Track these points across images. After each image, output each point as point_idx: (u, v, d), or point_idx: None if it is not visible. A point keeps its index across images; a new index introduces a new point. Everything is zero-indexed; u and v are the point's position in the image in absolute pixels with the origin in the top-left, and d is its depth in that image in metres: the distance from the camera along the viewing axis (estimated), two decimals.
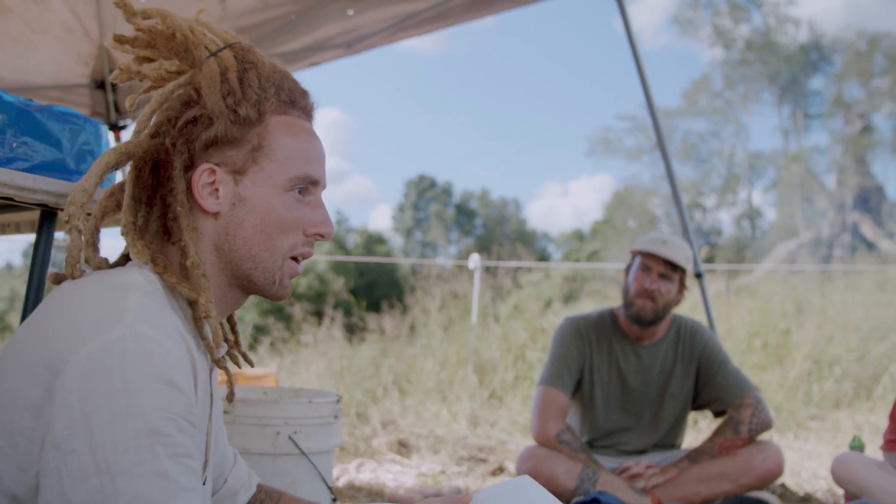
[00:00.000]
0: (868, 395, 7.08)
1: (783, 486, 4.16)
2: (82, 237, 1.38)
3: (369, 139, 78.71)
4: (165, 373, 1.18)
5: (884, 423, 3.37)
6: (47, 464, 1.15)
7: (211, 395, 1.48)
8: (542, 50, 75.11)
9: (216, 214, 1.41)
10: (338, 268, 24.67)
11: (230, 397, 1.57)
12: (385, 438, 5.48)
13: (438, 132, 76.81)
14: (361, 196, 73.57)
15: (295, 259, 1.49)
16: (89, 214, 1.44)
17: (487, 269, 9.76)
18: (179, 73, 1.47)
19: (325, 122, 72.47)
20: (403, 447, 5.37)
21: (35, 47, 4.51)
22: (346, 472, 4.50)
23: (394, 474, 4.54)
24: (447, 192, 46.64)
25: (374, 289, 23.69)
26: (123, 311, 1.22)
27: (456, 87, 78.43)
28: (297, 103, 1.49)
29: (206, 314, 1.35)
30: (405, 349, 8.42)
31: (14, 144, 1.89)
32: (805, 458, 5.24)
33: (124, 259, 1.47)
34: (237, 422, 3.19)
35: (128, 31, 1.51)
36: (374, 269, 27.33)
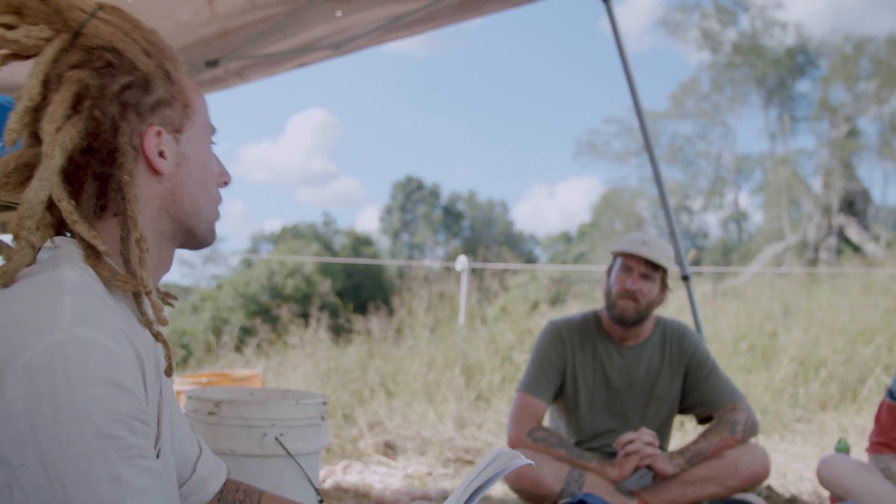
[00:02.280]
0: (854, 398, 7.11)
1: (769, 488, 4.17)
2: (33, 251, 1.30)
3: (356, 140, 78.72)
4: (109, 374, 1.14)
5: (869, 425, 3.38)
6: None
7: (161, 386, 1.44)
8: (530, 52, 75.30)
9: (160, 177, 1.40)
10: (325, 269, 24.66)
11: (168, 372, 1.50)
12: (372, 440, 5.47)
13: (426, 134, 76.94)
14: (348, 197, 73.64)
15: None
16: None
17: (474, 271, 9.76)
18: (51, 38, 1.36)
19: (311, 122, 72.51)
20: (390, 449, 5.36)
21: None
22: (333, 474, 4.50)
23: (380, 476, 4.53)
24: (434, 193, 46.68)
25: (360, 290, 23.69)
26: (59, 314, 1.17)
27: (443, 88, 78.60)
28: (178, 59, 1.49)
29: (147, 289, 1.33)
30: (392, 351, 8.41)
31: (0, 144, 1.88)
32: (791, 460, 5.25)
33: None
34: (224, 423, 3.18)
35: None
36: (361, 270, 27.32)
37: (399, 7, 4.65)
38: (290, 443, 3.19)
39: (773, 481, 4.41)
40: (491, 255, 12.93)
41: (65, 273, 1.26)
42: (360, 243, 34.28)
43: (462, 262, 8.94)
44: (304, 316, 9.93)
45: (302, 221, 35.93)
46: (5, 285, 1.25)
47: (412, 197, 46.21)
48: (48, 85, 1.34)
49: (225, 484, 1.82)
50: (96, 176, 1.34)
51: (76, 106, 1.32)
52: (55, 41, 1.35)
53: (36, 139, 1.34)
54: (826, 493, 3.98)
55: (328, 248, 32.52)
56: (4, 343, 1.14)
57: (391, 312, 9.39)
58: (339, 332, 9.59)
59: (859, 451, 4.45)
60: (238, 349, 9.64)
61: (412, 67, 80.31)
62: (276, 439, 3.16)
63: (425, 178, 50.21)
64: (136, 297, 1.36)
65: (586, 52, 70.36)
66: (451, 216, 46.97)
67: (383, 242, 44.03)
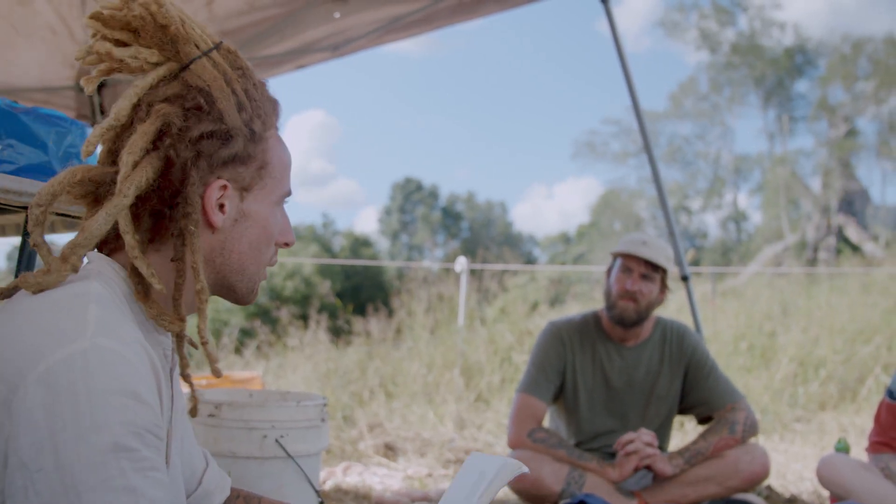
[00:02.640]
0: (853, 397, 7.11)
1: (769, 488, 4.17)
2: (69, 268, 1.30)
3: (355, 141, 78.78)
4: (130, 386, 1.15)
5: (869, 424, 3.39)
6: (14, 483, 1.11)
7: (172, 396, 1.45)
8: (528, 53, 75.36)
9: (214, 229, 1.38)
10: (324, 271, 24.65)
11: (193, 412, 1.55)
12: (372, 441, 5.48)
13: (424, 135, 76.97)
14: (347, 198, 73.65)
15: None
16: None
17: (473, 272, 9.76)
18: (157, 64, 1.38)
19: (310, 124, 72.49)
20: (390, 450, 5.36)
21: (19, 49, 4.50)
22: (333, 476, 4.50)
23: (380, 477, 4.54)
24: (433, 194, 46.68)
25: (360, 292, 23.70)
26: (84, 323, 1.18)
27: (442, 89, 78.61)
28: (279, 115, 1.48)
29: (203, 339, 1.34)
30: (391, 352, 8.40)
31: None
32: (791, 459, 5.26)
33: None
34: (224, 425, 3.18)
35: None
36: (361, 271, 27.31)
37: (397, 8, 4.66)
38: (291, 445, 3.19)
39: (773, 481, 4.41)
40: (490, 255, 12.94)
41: (92, 285, 1.27)
42: (360, 244, 34.27)
43: (461, 264, 8.94)
44: (304, 317, 9.93)
45: (301, 223, 35.89)
46: (34, 292, 1.27)
47: (411, 198, 46.20)
48: (138, 110, 1.35)
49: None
50: (154, 213, 1.35)
51: (156, 141, 1.32)
52: (161, 69, 1.36)
53: (111, 158, 1.36)
54: (826, 493, 3.98)
55: (327, 249, 32.49)
56: (29, 348, 1.15)
57: (391, 314, 9.39)
58: (338, 333, 9.58)
59: (859, 451, 4.45)
60: (238, 351, 9.63)
61: (411, 68, 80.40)
62: (277, 441, 3.16)
63: (424, 179, 50.31)
64: (179, 338, 1.41)
65: (584, 53, 70.50)
66: (450, 217, 46.97)
67: (382, 243, 44.04)
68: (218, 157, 1.34)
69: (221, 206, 1.38)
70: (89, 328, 1.17)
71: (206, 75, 1.35)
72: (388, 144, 78.36)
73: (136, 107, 1.35)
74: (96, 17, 1.38)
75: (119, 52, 1.37)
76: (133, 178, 1.28)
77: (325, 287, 14.56)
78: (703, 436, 3.56)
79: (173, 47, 1.36)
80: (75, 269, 1.29)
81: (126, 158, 1.29)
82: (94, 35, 1.39)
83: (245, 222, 1.41)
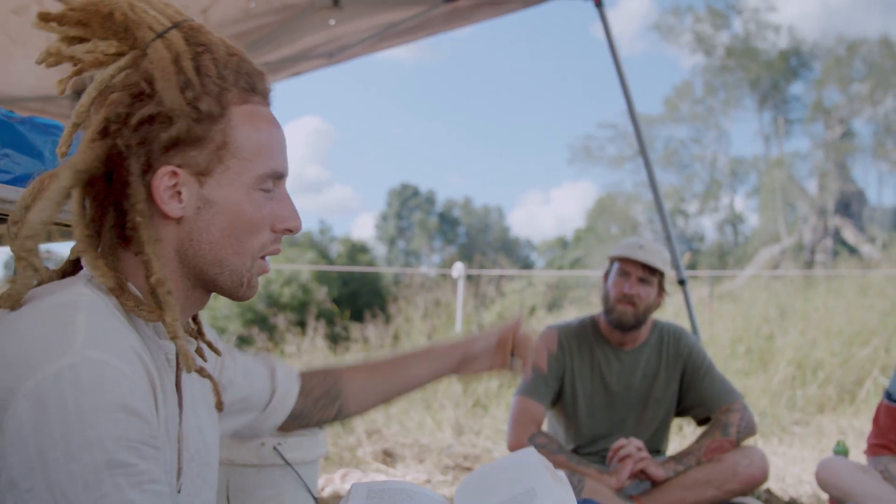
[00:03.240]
0: (851, 400, 7.12)
1: (768, 491, 4.17)
2: (36, 272, 1.26)
3: (350, 148, 78.80)
4: (121, 399, 1.12)
5: (867, 427, 3.39)
6: (5, 503, 1.09)
7: (180, 401, 1.40)
8: (523, 57, 75.36)
9: (179, 219, 1.30)
10: (321, 277, 24.60)
11: (219, 406, 1.54)
12: (370, 448, 5.47)
13: (420, 140, 76.97)
14: (342, 205, 73.66)
15: (262, 257, 1.40)
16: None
17: (471, 278, 9.76)
18: (119, 54, 1.30)
19: (305, 130, 72.49)
20: (388, 456, 5.36)
21: (15, 58, 4.50)
22: (332, 482, 4.49)
23: None
24: (430, 200, 46.71)
25: (357, 298, 23.65)
26: (72, 335, 1.14)
27: (437, 95, 78.64)
28: (257, 88, 1.37)
29: (173, 335, 1.27)
30: None
31: None
32: (790, 463, 5.25)
33: (71, 265, 1.37)
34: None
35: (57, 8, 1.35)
36: (358, 278, 27.28)
37: (392, 15, 4.66)
38: (289, 452, 3.19)
39: (772, 484, 4.41)
40: (487, 261, 12.94)
41: (81, 291, 1.23)
42: (357, 251, 34.23)
43: (458, 269, 8.95)
44: (301, 324, 9.92)
45: None
46: (12, 308, 1.22)
47: (408, 204, 46.22)
48: (95, 104, 1.30)
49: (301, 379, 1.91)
50: (117, 206, 1.30)
51: (104, 131, 1.27)
52: (122, 60, 1.30)
53: None
54: (825, 496, 3.99)
55: (324, 255, 32.45)
56: (17, 363, 1.12)
57: (388, 320, 9.39)
58: (335, 339, 9.58)
59: (858, 454, 4.45)
60: None
61: (406, 75, 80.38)
62: (275, 448, 3.16)
63: (420, 184, 50.30)
64: (173, 337, 1.33)
65: (579, 57, 70.51)
66: (447, 223, 47.00)
67: (379, 250, 44.04)
68: (159, 142, 1.26)
69: (179, 195, 1.29)
70: (78, 340, 1.14)
71: (156, 58, 1.27)
72: (384, 150, 78.46)
73: (93, 102, 1.30)
74: (43, 17, 1.33)
75: (69, 50, 1.33)
76: (70, 161, 1.25)
77: (322, 293, 14.54)
78: (698, 439, 3.57)
79: (129, 35, 1.29)
80: (35, 267, 1.25)
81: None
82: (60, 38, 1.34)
83: (210, 209, 1.31)
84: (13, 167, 1.91)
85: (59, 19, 1.32)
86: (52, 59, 1.35)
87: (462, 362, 2.06)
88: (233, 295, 1.40)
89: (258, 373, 1.79)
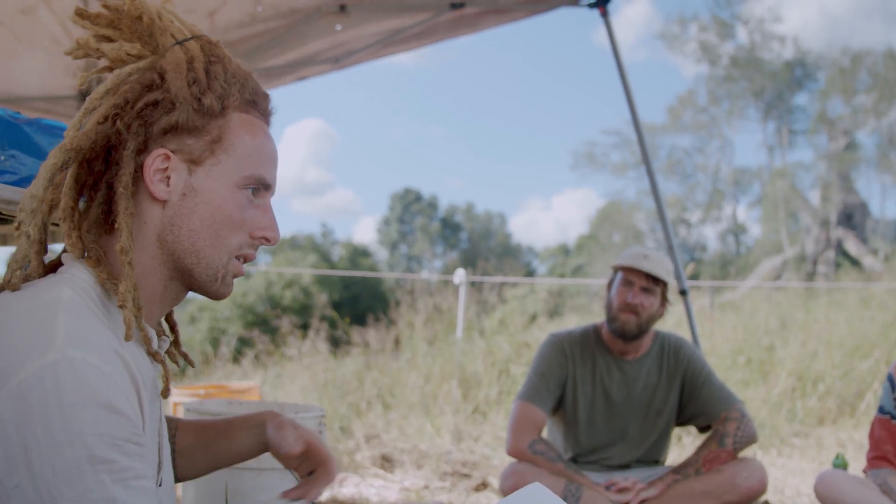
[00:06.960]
0: (852, 412, 7.11)
1: (767, 503, 4.17)
2: (30, 242, 1.31)
3: (352, 151, 78.90)
4: (103, 397, 1.13)
5: (867, 440, 3.40)
6: None
7: (157, 393, 1.43)
8: (527, 63, 75.59)
9: (164, 203, 1.36)
10: (322, 281, 24.65)
11: (164, 393, 1.50)
12: (368, 453, 5.47)
13: (422, 145, 77.14)
14: (344, 208, 73.77)
15: (238, 259, 1.45)
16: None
17: (472, 284, 9.77)
18: (140, 57, 1.41)
19: (307, 133, 72.64)
20: (387, 462, 5.36)
21: (22, 59, 4.51)
22: (330, 487, 4.49)
23: (377, 489, 4.53)
24: (432, 205, 46.76)
25: (358, 302, 23.70)
26: (54, 334, 1.16)
27: (440, 100, 78.83)
28: (259, 104, 1.45)
29: (121, 303, 1.28)
30: (389, 363, 8.40)
31: (2, 157, 1.88)
32: (788, 475, 5.25)
33: (58, 263, 1.40)
34: None
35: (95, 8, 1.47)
36: (359, 282, 27.32)
37: (398, 22, 4.68)
38: None
39: (771, 496, 4.41)
40: (489, 267, 12.95)
41: (63, 292, 1.26)
42: (358, 254, 34.30)
43: (460, 276, 8.95)
44: (303, 327, 9.93)
45: (300, 232, 35.92)
46: (13, 289, 1.27)
47: (410, 208, 46.26)
48: (108, 94, 1.38)
49: None
50: (108, 184, 1.36)
51: (111, 115, 1.35)
52: (142, 61, 1.39)
53: None
54: None
55: (326, 259, 32.49)
56: (0, 362, 1.14)
57: (389, 324, 9.39)
58: (336, 343, 9.58)
59: (857, 467, 4.44)
60: (236, 360, 9.63)
61: (408, 79, 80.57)
62: None
63: (422, 189, 50.34)
64: (137, 313, 1.34)
65: (582, 64, 70.60)
66: (449, 228, 47.04)
67: (381, 254, 44.10)
68: (158, 125, 1.34)
69: (168, 179, 1.36)
70: (59, 339, 1.16)
71: (171, 58, 1.38)
72: (386, 154, 78.64)
73: (107, 92, 1.38)
74: (80, 14, 1.42)
75: (97, 45, 1.42)
76: (67, 140, 1.32)
77: (323, 297, 14.55)
78: (695, 452, 3.57)
79: (152, 40, 1.40)
80: (28, 236, 1.30)
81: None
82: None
83: (195, 198, 1.37)
84: (19, 168, 1.91)
85: (94, 18, 1.42)
86: (80, 51, 1.45)
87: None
88: (207, 289, 1.44)
89: None
